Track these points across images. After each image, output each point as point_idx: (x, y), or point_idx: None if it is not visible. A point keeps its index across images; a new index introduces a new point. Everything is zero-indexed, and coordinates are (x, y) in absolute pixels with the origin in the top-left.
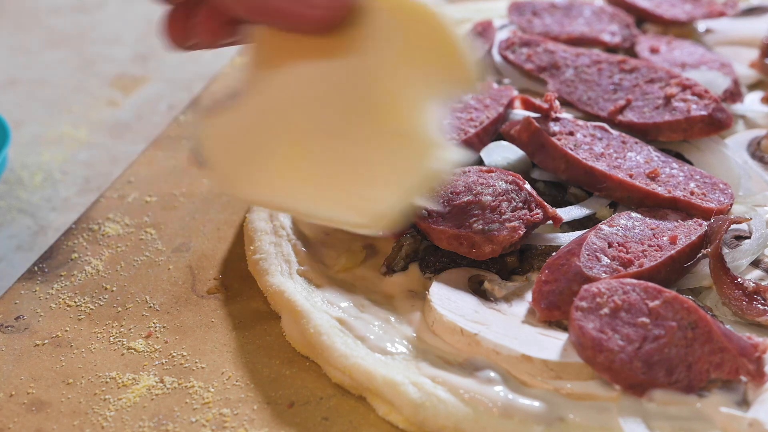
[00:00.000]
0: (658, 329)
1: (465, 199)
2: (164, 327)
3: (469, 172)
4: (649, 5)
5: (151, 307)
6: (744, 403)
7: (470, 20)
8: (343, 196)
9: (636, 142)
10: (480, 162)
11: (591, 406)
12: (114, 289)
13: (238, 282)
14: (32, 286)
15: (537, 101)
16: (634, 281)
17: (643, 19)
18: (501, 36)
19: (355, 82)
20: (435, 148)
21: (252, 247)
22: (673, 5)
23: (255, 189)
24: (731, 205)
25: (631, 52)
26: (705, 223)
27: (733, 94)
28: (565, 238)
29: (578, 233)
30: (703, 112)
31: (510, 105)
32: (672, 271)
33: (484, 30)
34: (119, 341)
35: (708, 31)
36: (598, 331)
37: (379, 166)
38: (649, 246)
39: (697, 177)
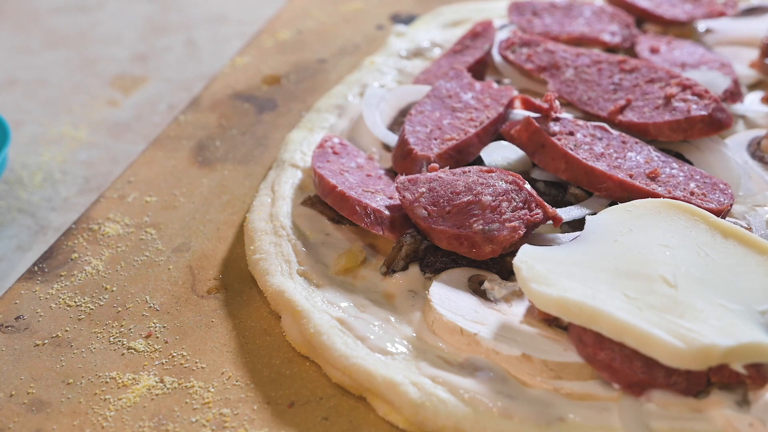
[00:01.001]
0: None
1: (465, 199)
2: (164, 327)
3: (469, 172)
4: (649, 5)
5: (151, 307)
6: (744, 403)
7: (470, 20)
8: (670, 325)
9: (636, 142)
10: (480, 162)
11: (591, 406)
12: (114, 289)
13: (238, 282)
14: (32, 286)
15: (537, 101)
16: None
17: (643, 19)
18: (501, 36)
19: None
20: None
21: (252, 247)
22: (673, 5)
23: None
24: (731, 205)
25: (631, 52)
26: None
27: (733, 94)
28: (565, 238)
29: (578, 233)
30: (703, 112)
31: (510, 105)
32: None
33: (484, 30)
34: (119, 341)
35: (708, 31)
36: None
37: (712, 317)
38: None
39: (697, 177)
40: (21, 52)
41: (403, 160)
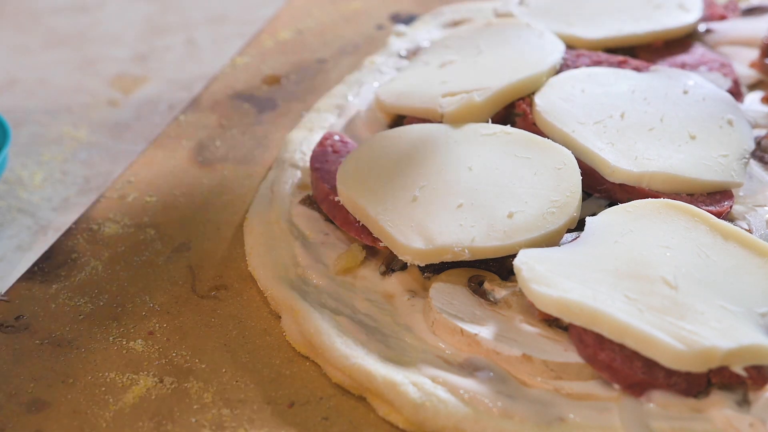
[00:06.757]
0: None
1: None
2: (164, 327)
3: None
4: None
5: (151, 307)
6: (744, 403)
7: (470, 20)
8: (671, 326)
9: None
10: None
11: (591, 406)
12: (114, 289)
13: (238, 282)
14: (32, 286)
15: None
16: None
17: None
18: None
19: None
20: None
21: (252, 247)
22: None
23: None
24: (731, 206)
25: (631, 52)
26: None
27: (733, 94)
28: (566, 239)
29: (578, 234)
30: None
31: None
32: None
33: None
34: (119, 341)
35: (708, 31)
36: None
37: (713, 319)
38: None
39: None
40: (21, 52)
41: None
